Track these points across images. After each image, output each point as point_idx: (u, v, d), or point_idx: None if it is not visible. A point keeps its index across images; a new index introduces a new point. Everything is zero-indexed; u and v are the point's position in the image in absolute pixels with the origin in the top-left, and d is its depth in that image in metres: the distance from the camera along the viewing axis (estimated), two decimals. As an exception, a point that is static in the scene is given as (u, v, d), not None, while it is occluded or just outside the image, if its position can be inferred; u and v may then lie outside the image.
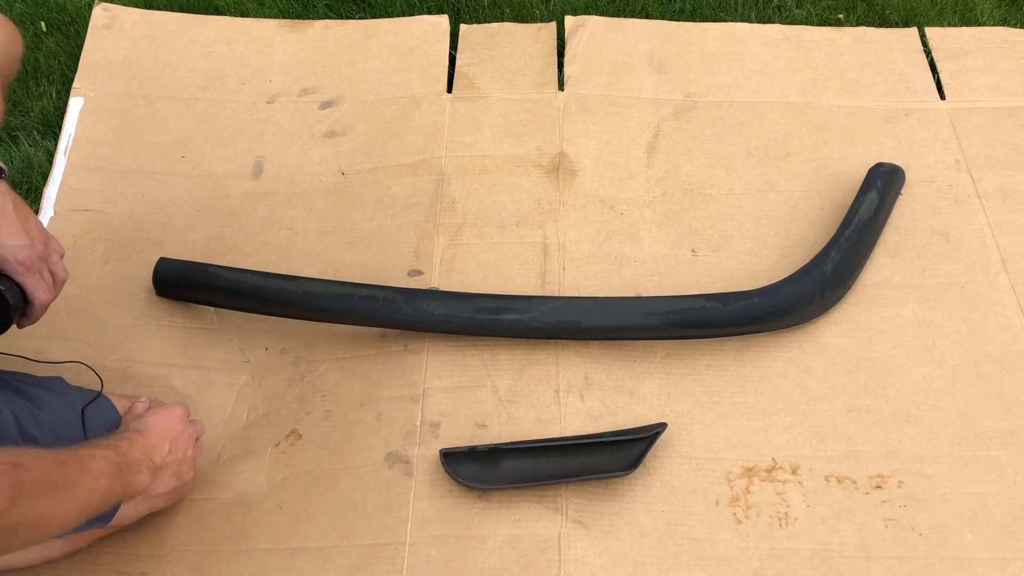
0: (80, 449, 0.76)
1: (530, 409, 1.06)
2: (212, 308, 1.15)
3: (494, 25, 1.47)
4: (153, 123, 1.34)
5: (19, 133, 1.34)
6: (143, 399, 0.97)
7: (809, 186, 1.28)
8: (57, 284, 0.89)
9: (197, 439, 0.95)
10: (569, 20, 1.47)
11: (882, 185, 1.22)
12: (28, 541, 0.68)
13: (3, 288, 0.83)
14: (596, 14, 1.49)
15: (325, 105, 1.37)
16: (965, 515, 1.00)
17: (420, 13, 1.49)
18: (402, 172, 1.29)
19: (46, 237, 0.87)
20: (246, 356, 1.12)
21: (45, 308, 0.88)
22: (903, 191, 1.27)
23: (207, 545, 0.97)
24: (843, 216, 1.20)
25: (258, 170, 1.30)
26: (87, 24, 1.45)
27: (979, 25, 1.50)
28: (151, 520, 0.97)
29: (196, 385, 1.09)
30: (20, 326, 0.88)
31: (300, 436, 1.05)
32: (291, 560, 0.96)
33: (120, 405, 0.95)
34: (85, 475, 0.73)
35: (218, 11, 1.50)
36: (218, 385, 1.09)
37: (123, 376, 1.09)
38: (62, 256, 0.89)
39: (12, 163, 1.29)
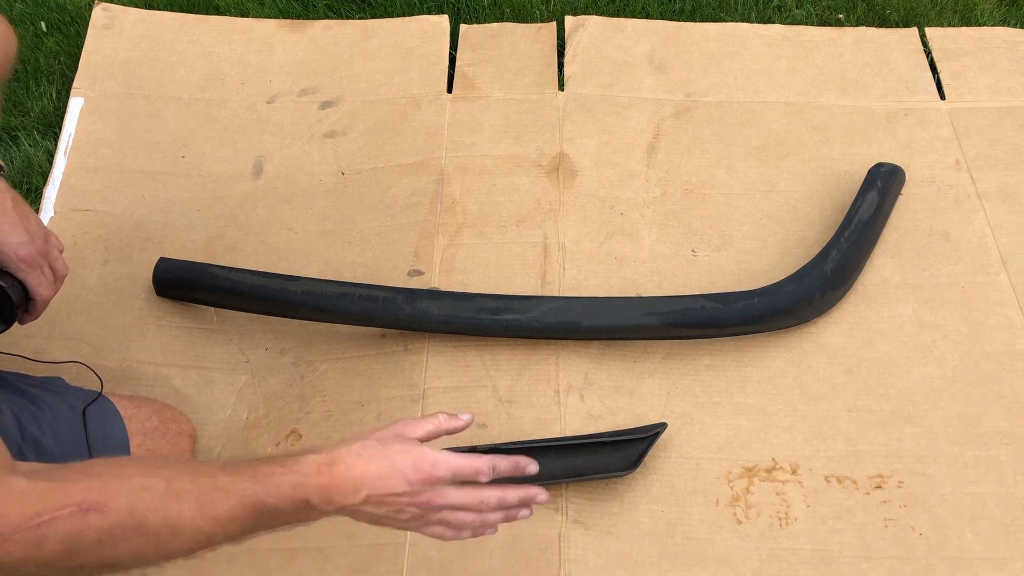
0: (215, 477, 0.58)
1: (530, 409, 1.06)
2: (212, 308, 1.15)
3: (494, 25, 1.47)
4: (153, 123, 1.34)
5: (19, 133, 1.34)
6: (462, 418, 0.71)
7: (809, 186, 1.28)
8: (58, 280, 0.89)
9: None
10: (569, 20, 1.48)
11: (882, 185, 1.22)
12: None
13: (5, 285, 0.83)
14: (596, 14, 1.49)
15: (325, 105, 1.37)
16: (965, 515, 1.00)
17: (420, 13, 1.49)
18: (402, 172, 1.29)
19: (46, 233, 0.87)
20: (246, 356, 1.12)
21: (46, 304, 0.88)
22: (903, 191, 1.27)
23: (207, 545, 0.97)
24: (843, 216, 1.20)
25: (258, 170, 1.30)
26: (87, 24, 1.45)
27: (979, 25, 1.50)
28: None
29: (196, 385, 1.09)
30: (22, 323, 0.89)
31: (300, 436, 1.05)
32: (292, 560, 0.96)
33: (121, 406, 0.95)
34: (202, 516, 0.57)
35: (218, 11, 1.50)
36: (218, 385, 1.09)
37: (123, 376, 1.09)
38: (61, 252, 0.89)
39: (12, 163, 1.29)
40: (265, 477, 0.60)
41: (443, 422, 0.70)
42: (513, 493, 0.68)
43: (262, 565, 0.96)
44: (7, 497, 0.52)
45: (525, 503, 0.69)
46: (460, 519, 0.66)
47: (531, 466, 0.70)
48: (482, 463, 0.66)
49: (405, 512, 0.64)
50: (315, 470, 0.61)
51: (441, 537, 0.67)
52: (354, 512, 0.63)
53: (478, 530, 0.67)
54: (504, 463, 0.68)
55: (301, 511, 0.61)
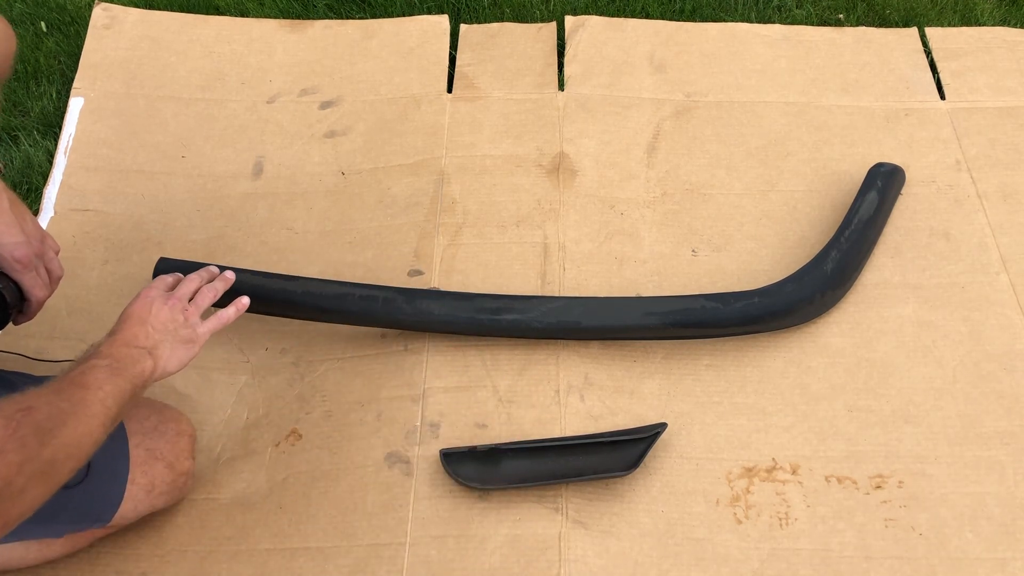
0: (69, 373, 0.75)
1: (530, 409, 1.06)
2: (212, 308, 1.15)
3: (494, 25, 1.47)
4: (153, 123, 1.34)
5: (19, 133, 1.33)
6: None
7: (809, 186, 1.28)
8: (53, 281, 0.89)
9: (193, 298, 0.91)
10: (569, 20, 1.47)
11: (882, 185, 1.22)
12: (70, 471, 0.70)
13: (0, 286, 0.83)
14: (596, 14, 1.49)
15: (325, 105, 1.36)
16: (965, 515, 0.99)
17: (420, 13, 1.49)
18: (402, 172, 1.28)
19: (42, 234, 0.87)
20: (246, 356, 1.12)
21: (41, 305, 0.88)
22: (903, 191, 1.26)
23: (207, 545, 0.97)
24: (843, 216, 1.20)
25: (258, 170, 1.29)
26: (87, 24, 1.44)
27: (979, 25, 1.49)
28: (151, 520, 0.97)
29: (196, 385, 1.09)
30: (16, 323, 0.88)
31: (300, 436, 1.05)
32: (291, 560, 0.96)
33: None
34: (87, 390, 0.73)
35: (218, 11, 1.50)
36: (218, 385, 1.09)
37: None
38: (57, 253, 0.90)
39: (12, 163, 1.29)
40: (99, 351, 0.80)
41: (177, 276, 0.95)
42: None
43: (261, 565, 0.95)
44: None
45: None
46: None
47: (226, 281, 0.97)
48: (191, 276, 0.95)
49: (179, 319, 0.88)
50: (119, 329, 0.84)
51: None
52: (159, 347, 0.85)
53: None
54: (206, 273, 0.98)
55: (134, 362, 0.81)
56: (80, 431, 0.70)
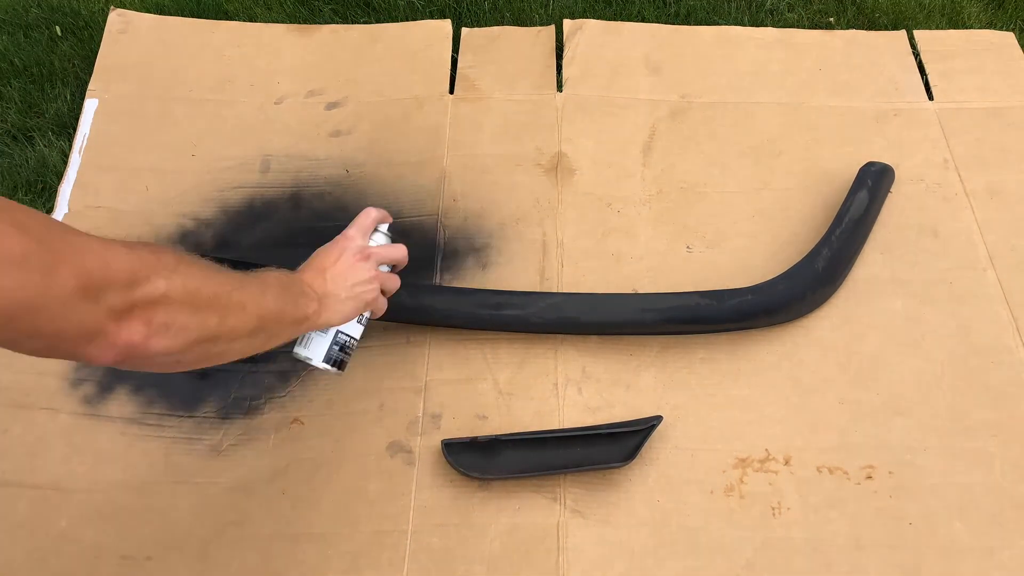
0: (275, 271, 0.76)
1: (529, 401, 1.04)
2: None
3: (495, 29, 1.45)
4: (165, 123, 1.32)
5: (35, 134, 1.32)
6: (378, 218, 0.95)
7: (801, 184, 1.25)
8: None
9: (392, 269, 0.93)
10: (567, 24, 1.45)
11: (872, 183, 1.20)
12: (217, 356, 0.66)
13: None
14: (593, 18, 1.47)
15: (331, 106, 1.35)
16: (954, 505, 0.97)
17: (423, 18, 1.47)
18: (405, 170, 1.26)
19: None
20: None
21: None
22: (893, 189, 1.24)
23: (211, 530, 0.95)
24: (834, 214, 1.17)
25: (265, 168, 1.28)
26: (100, 28, 1.43)
27: (966, 28, 1.47)
28: (155, 506, 0.95)
29: (199, 373, 1.07)
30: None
31: (303, 424, 1.03)
32: (294, 545, 0.94)
33: None
34: (294, 286, 0.76)
35: (228, 17, 1.48)
36: (221, 374, 1.07)
37: (134, 369, 1.07)
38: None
39: (28, 163, 1.28)
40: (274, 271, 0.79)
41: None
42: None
43: (264, 550, 0.94)
44: (119, 254, 0.58)
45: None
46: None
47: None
48: (400, 254, 0.95)
49: (361, 270, 0.88)
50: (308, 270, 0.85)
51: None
52: (337, 286, 0.85)
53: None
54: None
55: (316, 299, 0.82)
56: (237, 327, 0.67)
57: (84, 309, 0.53)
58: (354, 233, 0.90)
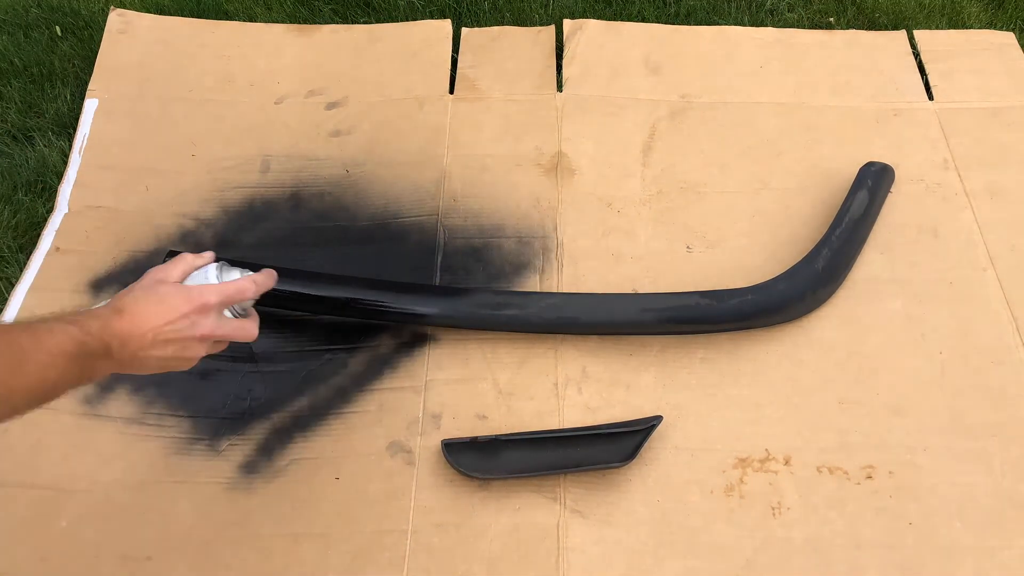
0: (38, 322, 0.62)
1: (529, 401, 1.04)
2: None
3: (495, 29, 1.45)
4: (165, 123, 1.32)
5: (35, 134, 1.31)
6: (204, 256, 0.75)
7: (801, 184, 1.25)
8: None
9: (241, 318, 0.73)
10: (567, 24, 1.45)
11: (872, 183, 1.19)
12: None
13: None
14: (593, 18, 1.46)
15: (331, 106, 1.34)
16: (954, 505, 0.97)
17: (423, 18, 1.46)
18: (405, 170, 1.26)
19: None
20: (250, 345, 1.10)
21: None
22: (893, 189, 1.24)
23: (212, 530, 0.95)
24: (834, 214, 1.17)
25: (265, 168, 1.27)
26: (101, 28, 1.42)
27: (966, 28, 1.47)
28: (156, 506, 0.95)
29: (200, 372, 1.07)
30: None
31: (305, 424, 1.03)
32: (295, 545, 0.94)
33: None
34: (39, 349, 0.59)
35: (228, 16, 1.47)
36: (222, 373, 1.07)
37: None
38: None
39: (28, 163, 1.27)
40: (76, 321, 0.63)
41: (190, 259, 0.75)
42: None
43: (266, 550, 0.93)
44: None
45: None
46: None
47: (272, 279, 0.77)
48: (245, 283, 0.74)
49: (189, 348, 0.69)
50: (111, 315, 0.66)
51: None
52: (144, 359, 0.67)
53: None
54: (262, 277, 0.76)
55: (103, 356, 0.64)
56: (3, 384, 0.57)
57: None
58: (197, 295, 0.71)
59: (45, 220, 1.21)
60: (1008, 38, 1.43)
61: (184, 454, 1.00)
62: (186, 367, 0.71)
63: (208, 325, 0.70)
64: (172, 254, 1.12)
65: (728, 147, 1.29)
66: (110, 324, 0.65)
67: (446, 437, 1.00)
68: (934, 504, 0.97)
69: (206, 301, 0.70)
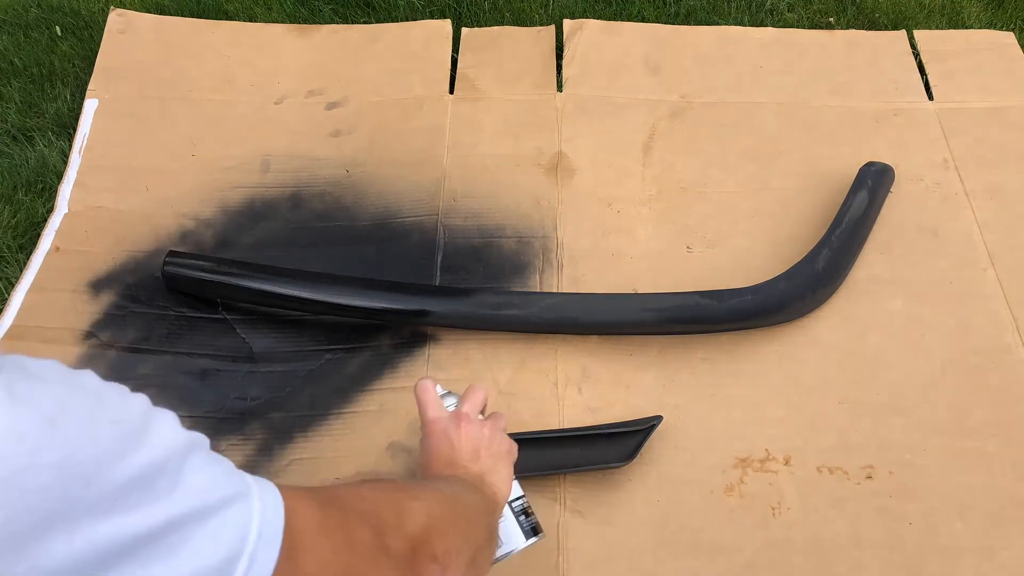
0: (450, 484, 0.64)
1: (530, 401, 1.04)
2: (218, 299, 1.13)
3: (495, 29, 1.44)
4: (165, 123, 1.31)
5: (35, 134, 1.31)
6: (475, 392, 0.77)
7: (801, 185, 1.25)
8: None
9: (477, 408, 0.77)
10: (567, 24, 1.44)
11: (872, 183, 1.19)
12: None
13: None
14: (593, 18, 1.46)
15: (331, 106, 1.34)
16: (954, 505, 0.97)
17: (423, 18, 1.46)
18: (405, 170, 1.26)
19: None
20: (250, 345, 1.09)
21: None
22: (893, 189, 1.23)
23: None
24: (834, 214, 1.17)
25: (265, 168, 1.27)
26: (101, 28, 1.42)
27: (966, 28, 1.46)
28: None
29: (201, 373, 1.06)
30: None
31: (305, 424, 1.02)
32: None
33: None
34: (481, 499, 0.64)
35: (228, 17, 1.47)
36: (223, 373, 1.07)
37: (128, 363, 1.06)
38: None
39: (28, 162, 1.27)
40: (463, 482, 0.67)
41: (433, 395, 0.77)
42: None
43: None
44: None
45: None
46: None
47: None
48: (479, 396, 0.79)
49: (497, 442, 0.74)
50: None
51: None
52: (496, 482, 0.71)
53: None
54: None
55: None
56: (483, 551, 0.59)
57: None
58: (434, 415, 0.75)
59: (45, 220, 1.20)
60: (1008, 38, 1.43)
61: (184, 454, 1.00)
62: (510, 452, 0.74)
63: (488, 423, 0.75)
64: (173, 254, 1.12)
65: (728, 147, 1.29)
66: (484, 480, 0.69)
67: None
68: (934, 504, 0.97)
69: (431, 400, 0.75)
